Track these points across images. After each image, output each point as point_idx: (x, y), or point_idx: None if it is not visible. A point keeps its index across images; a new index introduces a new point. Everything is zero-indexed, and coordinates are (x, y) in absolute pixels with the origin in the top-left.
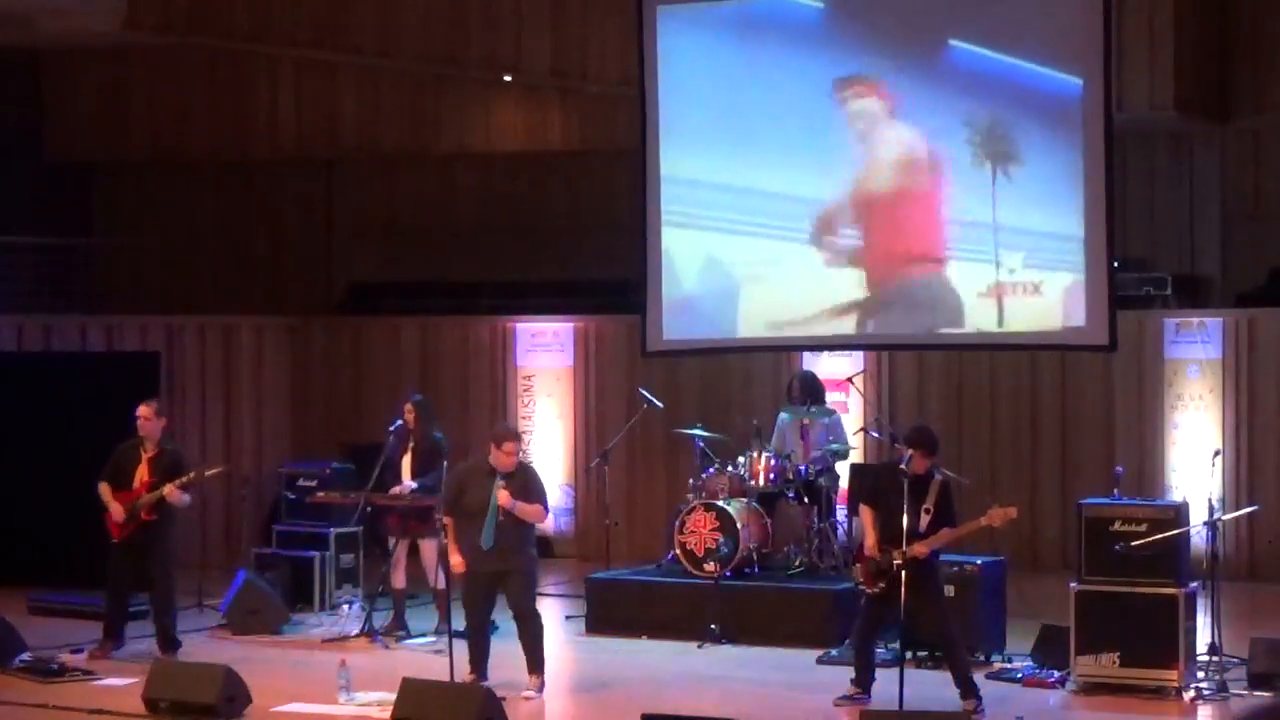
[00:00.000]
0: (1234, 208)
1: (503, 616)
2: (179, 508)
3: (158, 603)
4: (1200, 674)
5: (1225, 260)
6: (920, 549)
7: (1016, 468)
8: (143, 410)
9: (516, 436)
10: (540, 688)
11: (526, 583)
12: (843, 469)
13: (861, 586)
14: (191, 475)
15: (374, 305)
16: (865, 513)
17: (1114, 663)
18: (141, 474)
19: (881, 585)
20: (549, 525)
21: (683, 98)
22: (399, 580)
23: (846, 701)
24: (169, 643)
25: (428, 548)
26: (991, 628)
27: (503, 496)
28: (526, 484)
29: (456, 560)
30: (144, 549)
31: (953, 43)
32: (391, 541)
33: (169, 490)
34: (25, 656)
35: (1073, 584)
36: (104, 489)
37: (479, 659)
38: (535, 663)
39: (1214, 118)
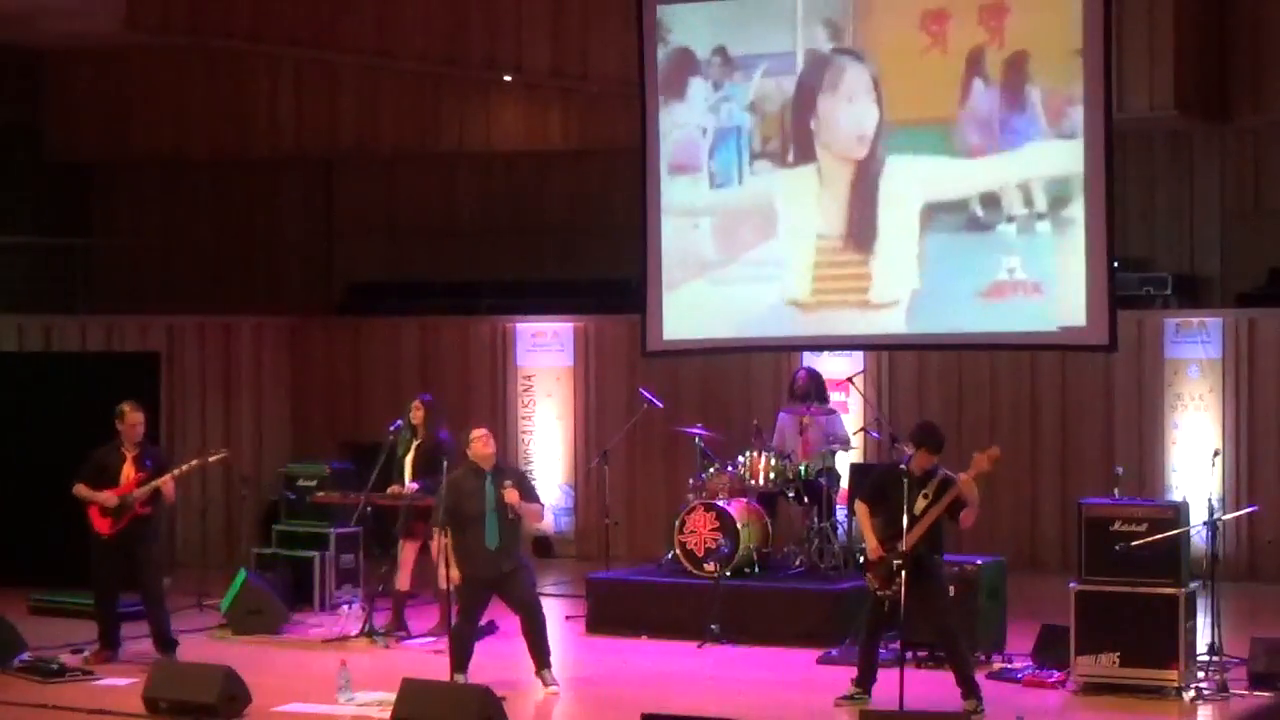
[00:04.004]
0: (1234, 208)
1: (502, 617)
2: (169, 502)
3: (149, 604)
4: (1200, 674)
5: (1225, 260)
6: (922, 525)
7: (1016, 468)
8: (138, 416)
9: (484, 424)
10: (557, 683)
11: (528, 578)
12: (843, 468)
13: (880, 592)
14: (194, 463)
15: (374, 305)
16: (861, 511)
17: (1114, 663)
18: (128, 472)
19: (896, 585)
20: (549, 525)
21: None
22: (404, 582)
23: (847, 701)
24: (165, 643)
25: (437, 547)
26: (991, 628)
27: (511, 495)
28: (521, 485)
29: (453, 574)
30: (131, 548)
31: (952, 43)
32: (401, 542)
33: (165, 482)
34: (25, 656)
35: (1073, 584)
36: (82, 489)
37: (464, 660)
38: (545, 657)
39: (1214, 118)
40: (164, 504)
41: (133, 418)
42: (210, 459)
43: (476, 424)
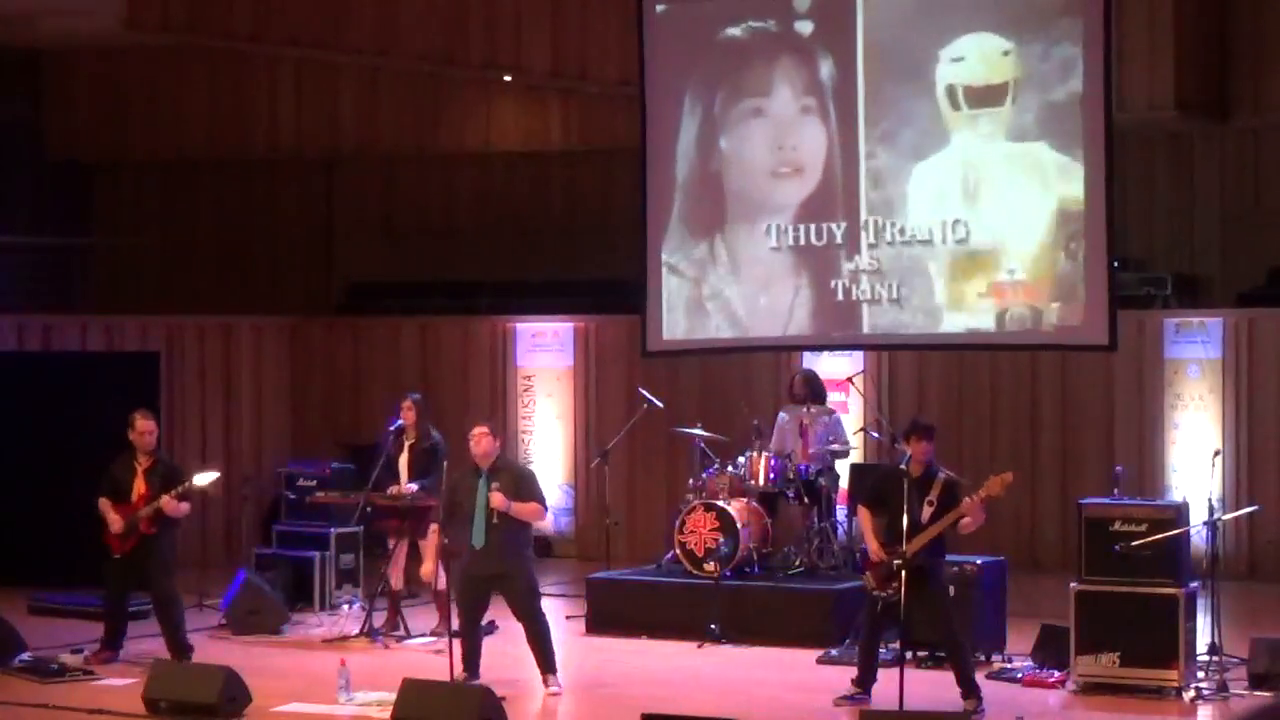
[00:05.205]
0: (1234, 208)
1: (503, 618)
2: (178, 518)
3: (166, 617)
4: (1200, 674)
5: (1225, 260)
6: (926, 536)
7: (1017, 468)
8: (148, 425)
9: (484, 422)
10: (558, 685)
11: (525, 587)
12: (843, 469)
13: (876, 593)
14: (186, 485)
15: (374, 305)
16: (863, 515)
17: (1114, 663)
18: (138, 487)
19: (894, 587)
20: (549, 525)
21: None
22: (396, 581)
23: (847, 701)
24: (181, 650)
25: (427, 547)
26: (991, 628)
27: (496, 498)
28: (518, 484)
29: (427, 569)
30: (143, 562)
31: (952, 44)
32: (390, 542)
33: (165, 502)
34: (25, 656)
35: (1073, 584)
36: (104, 504)
37: (471, 658)
38: (546, 664)
39: (1214, 118)
40: (175, 521)
41: (142, 425)
42: (201, 484)
43: (476, 422)
